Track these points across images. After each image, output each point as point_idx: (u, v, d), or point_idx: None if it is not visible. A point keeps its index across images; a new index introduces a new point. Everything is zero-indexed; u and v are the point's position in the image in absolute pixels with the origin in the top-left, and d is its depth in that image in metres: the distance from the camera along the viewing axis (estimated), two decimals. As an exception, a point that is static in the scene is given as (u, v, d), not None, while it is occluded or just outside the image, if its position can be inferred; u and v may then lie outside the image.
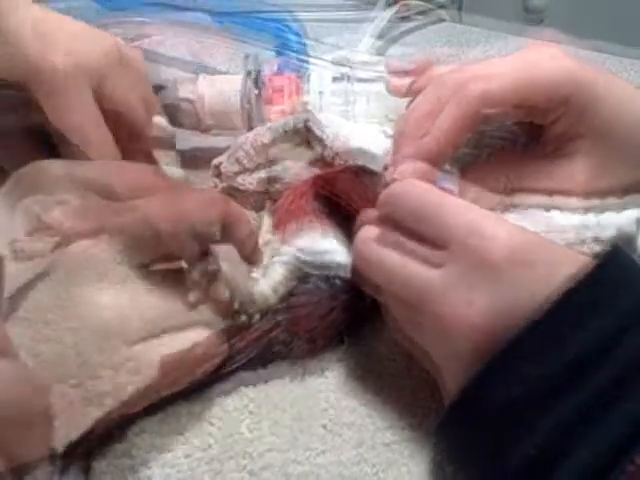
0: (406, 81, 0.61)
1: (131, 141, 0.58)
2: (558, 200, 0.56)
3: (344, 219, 0.51)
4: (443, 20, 1.19)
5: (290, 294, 0.48)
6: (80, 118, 0.55)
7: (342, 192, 0.51)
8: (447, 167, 0.56)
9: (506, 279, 0.38)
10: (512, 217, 0.53)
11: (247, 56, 0.67)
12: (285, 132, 0.62)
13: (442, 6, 1.19)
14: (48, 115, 0.57)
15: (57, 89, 0.55)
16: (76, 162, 0.54)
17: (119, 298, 0.49)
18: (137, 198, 0.50)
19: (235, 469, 0.40)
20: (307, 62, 0.78)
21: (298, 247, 0.50)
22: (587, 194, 0.57)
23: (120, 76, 0.57)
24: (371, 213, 0.46)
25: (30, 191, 0.54)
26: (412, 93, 0.61)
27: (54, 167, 0.54)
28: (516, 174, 0.57)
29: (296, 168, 0.62)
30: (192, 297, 0.49)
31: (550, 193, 0.56)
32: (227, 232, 0.48)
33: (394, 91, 0.61)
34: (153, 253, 0.48)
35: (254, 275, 0.49)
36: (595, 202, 0.56)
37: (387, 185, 0.47)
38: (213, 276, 0.50)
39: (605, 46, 1.01)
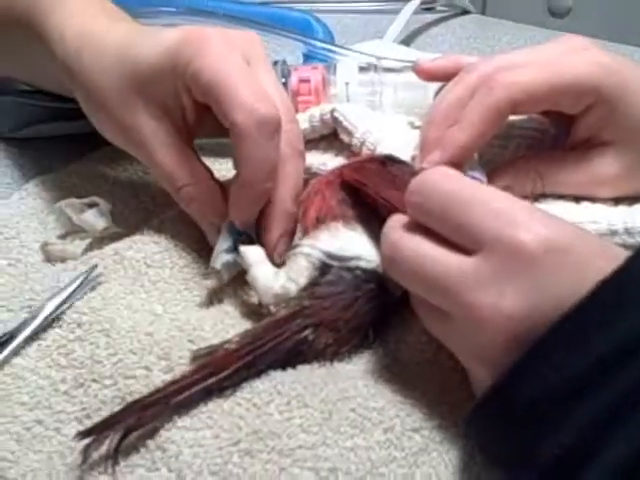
0: (434, 64, 0.61)
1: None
2: (589, 191, 0.56)
3: (371, 209, 0.51)
4: (468, 12, 1.19)
5: (313, 284, 0.48)
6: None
7: (369, 181, 0.51)
8: (475, 157, 0.56)
9: (540, 270, 0.38)
10: (542, 207, 0.53)
11: (276, 62, 0.67)
12: (312, 124, 0.62)
13: (466, 11, 1.19)
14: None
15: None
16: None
17: (151, 300, 0.49)
18: None
19: (264, 450, 0.40)
20: (333, 52, 0.78)
21: (319, 238, 0.50)
22: (618, 187, 0.56)
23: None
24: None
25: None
26: (439, 77, 0.60)
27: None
28: (546, 167, 0.56)
29: (323, 158, 0.62)
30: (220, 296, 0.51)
31: (581, 185, 0.56)
32: None
33: (421, 73, 0.61)
34: None
35: (278, 270, 0.50)
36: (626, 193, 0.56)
37: (416, 174, 0.47)
38: (241, 277, 0.51)
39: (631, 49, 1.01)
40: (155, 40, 0.53)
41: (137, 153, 0.56)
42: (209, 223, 0.54)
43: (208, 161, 0.65)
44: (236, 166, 0.51)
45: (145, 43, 0.54)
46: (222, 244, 0.52)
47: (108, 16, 0.60)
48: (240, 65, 0.52)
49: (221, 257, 0.51)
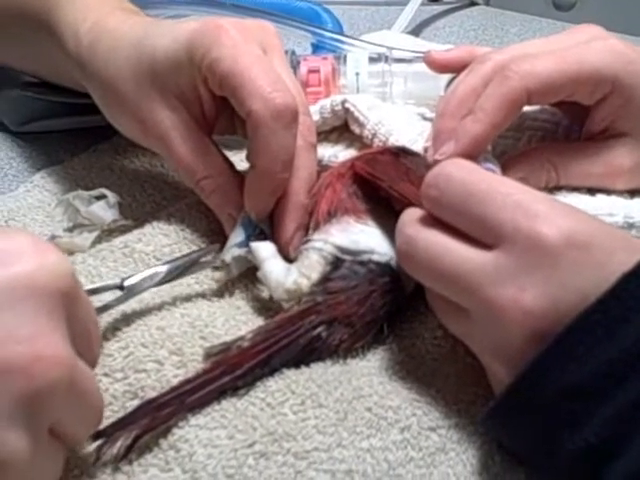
0: (445, 54, 0.60)
1: None
2: (604, 182, 0.55)
3: (384, 201, 0.50)
4: (475, 3, 1.18)
5: (327, 279, 0.47)
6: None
7: (382, 173, 0.50)
8: (489, 148, 0.56)
9: (561, 263, 0.37)
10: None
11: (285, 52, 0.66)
12: (322, 116, 0.61)
13: (473, 2, 1.18)
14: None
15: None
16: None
17: (161, 294, 0.49)
18: None
19: (279, 452, 0.39)
20: (343, 42, 0.77)
21: (330, 233, 0.49)
22: (634, 178, 0.56)
23: None
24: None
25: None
26: (450, 67, 0.60)
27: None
28: (560, 158, 0.56)
29: (334, 150, 0.61)
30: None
31: (596, 177, 0.55)
32: None
33: (433, 64, 0.60)
34: None
35: (289, 265, 0.49)
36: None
37: (430, 167, 0.46)
38: (252, 271, 0.50)
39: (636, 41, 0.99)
40: (172, 32, 0.53)
41: (155, 146, 0.55)
42: (228, 215, 0.53)
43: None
44: (252, 156, 0.50)
45: (162, 35, 0.53)
46: (235, 237, 0.51)
47: (123, 11, 0.59)
48: (257, 54, 0.51)
49: (232, 251, 0.50)
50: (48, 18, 0.59)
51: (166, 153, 0.54)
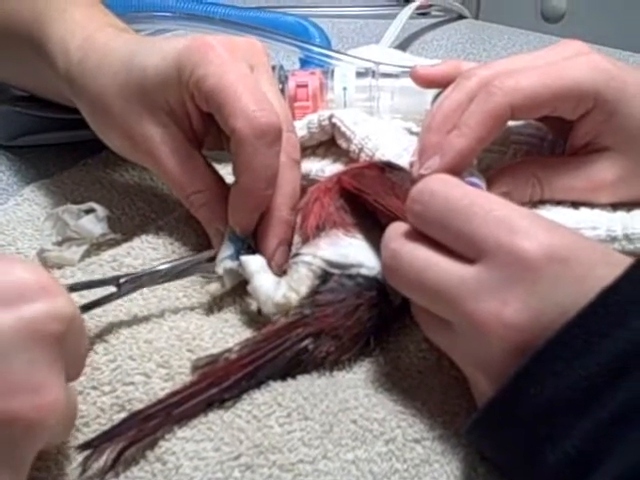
0: (431, 70, 0.60)
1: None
2: (588, 196, 0.56)
3: (370, 216, 0.50)
4: (463, 17, 1.19)
5: (315, 292, 0.48)
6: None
7: (368, 188, 0.51)
8: (474, 162, 0.56)
9: (541, 278, 0.38)
10: (540, 213, 0.52)
11: (273, 67, 0.66)
12: (310, 131, 0.62)
13: (461, 16, 1.19)
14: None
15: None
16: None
17: (149, 307, 0.49)
18: None
19: (265, 464, 0.40)
20: (331, 57, 0.78)
21: (320, 246, 0.49)
22: (616, 192, 0.56)
23: None
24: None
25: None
26: (436, 83, 0.60)
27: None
28: (544, 172, 0.56)
29: (321, 164, 0.62)
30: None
31: (580, 190, 0.56)
32: None
33: (418, 79, 0.61)
34: None
35: (279, 279, 0.49)
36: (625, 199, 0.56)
37: (416, 181, 0.47)
38: (240, 285, 0.51)
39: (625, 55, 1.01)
40: (161, 50, 0.53)
41: (145, 161, 0.56)
42: (216, 230, 0.54)
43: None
44: (235, 173, 0.51)
45: (151, 53, 0.54)
46: (225, 251, 0.52)
47: (112, 27, 0.60)
48: (243, 72, 0.52)
49: (224, 263, 0.51)
50: (38, 34, 0.60)
51: (156, 168, 0.55)
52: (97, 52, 0.56)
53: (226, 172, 0.63)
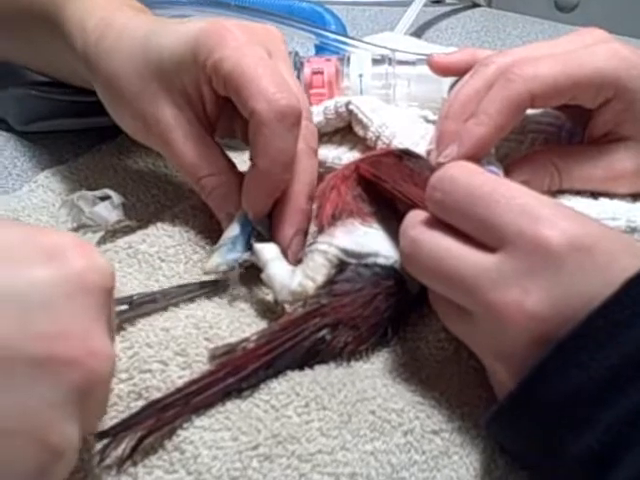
0: (448, 58, 0.60)
1: None
2: (607, 186, 0.55)
3: (388, 204, 0.50)
4: (478, 5, 1.18)
5: (332, 282, 0.48)
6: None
7: (387, 175, 0.50)
8: (492, 151, 0.56)
9: (564, 267, 0.37)
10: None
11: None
12: (326, 117, 0.61)
13: (475, 4, 1.18)
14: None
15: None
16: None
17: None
18: None
19: (283, 454, 0.40)
20: (346, 44, 0.77)
21: (335, 235, 0.49)
22: (637, 182, 0.56)
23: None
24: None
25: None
26: (453, 71, 0.60)
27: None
28: (563, 161, 0.56)
29: (337, 152, 0.61)
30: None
31: (599, 180, 0.55)
32: None
33: (435, 67, 0.60)
34: None
35: (294, 267, 0.49)
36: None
37: (434, 169, 0.46)
38: (256, 273, 0.50)
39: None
40: (178, 31, 0.53)
41: (157, 143, 0.55)
42: (226, 214, 0.53)
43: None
44: (253, 156, 0.51)
45: (168, 33, 0.53)
46: (229, 232, 0.51)
47: (130, 7, 0.59)
48: (262, 56, 0.51)
49: (219, 255, 0.50)
50: (55, 14, 0.59)
51: (168, 151, 0.54)
52: (114, 32, 0.56)
53: (241, 160, 0.63)
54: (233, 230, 0.51)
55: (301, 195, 0.52)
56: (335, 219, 0.50)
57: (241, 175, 0.54)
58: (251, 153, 0.51)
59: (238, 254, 0.50)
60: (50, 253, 0.35)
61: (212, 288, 0.50)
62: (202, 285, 0.50)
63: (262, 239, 0.52)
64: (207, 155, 0.54)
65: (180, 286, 0.49)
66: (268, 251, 0.49)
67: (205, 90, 0.53)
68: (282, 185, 0.51)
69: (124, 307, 0.47)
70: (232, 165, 0.55)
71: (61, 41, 0.59)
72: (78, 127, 0.70)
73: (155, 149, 0.57)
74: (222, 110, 0.55)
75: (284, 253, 0.51)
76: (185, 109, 0.53)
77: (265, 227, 0.53)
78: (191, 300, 0.49)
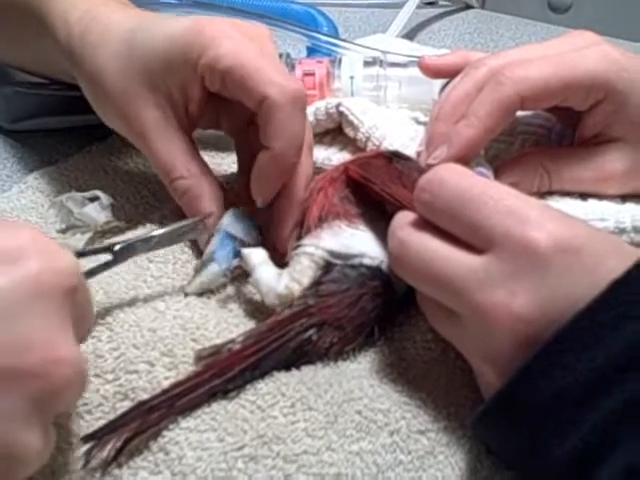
0: (439, 60, 0.60)
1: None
2: (597, 187, 0.56)
3: (377, 205, 0.50)
4: (470, 7, 1.18)
5: (318, 283, 0.48)
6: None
7: (375, 177, 0.50)
8: (481, 152, 0.56)
9: (551, 269, 0.37)
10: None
11: (280, 55, 0.66)
12: (317, 118, 0.61)
13: (468, 6, 1.18)
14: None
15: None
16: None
17: (154, 296, 0.49)
18: None
19: (269, 455, 0.39)
20: (338, 46, 0.77)
21: (321, 237, 0.49)
22: (626, 183, 0.56)
23: None
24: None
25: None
26: (444, 73, 0.60)
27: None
28: (553, 163, 0.56)
29: (327, 152, 0.61)
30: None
31: (588, 182, 0.55)
32: None
33: (426, 69, 0.60)
34: None
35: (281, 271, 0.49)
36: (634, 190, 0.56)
37: (423, 171, 0.46)
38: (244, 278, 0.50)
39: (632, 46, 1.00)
40: (164, 28, 0.53)
41: (136, 141, 0.55)
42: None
43: (209, 155, 0.64)
44: (267, 140, 0.50)
45: (154, 30, 0.53)
46: (210, 246, 0.51)
47: (115, 2, 0.59)
48: (258, 50, 0.51)
49: (203, 275, 0.50)
50: (39, 7, 0.59)
51: (146, 150, 0.54)
52: (99, 26, 0.55)
53: (231, 160, 0.63)
54: (213, 244, 0.51)
55: (302, 187, 0.52)
56: (321, 221, 0.50)
57: (215, 180, 0.54)
58: (262, 138, 0.50)
59: (224, 265, 0.50)
60: (6, 256, 0.34)
61: (192, 227, 0.51)
62: (182, 226, 0.50)
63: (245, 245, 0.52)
64: (183, 157, 0.53)
65: (161, 228, 0.49)
66: (256, 256, 0.49)
67: (193, 89, 0.52)
68: (292, 169, 0.51)
69: (109, 257, 0.47)
70: (207, 169, 0.55)
71: (45, 35, 0.58)
72: (66, 125, 0.70)
73: (136, 147, 0.56)
74: (206, 107, 0.54)
75: (282, 246, 0.51)
76: (167, 110, 0.53)
77: (253, 230, 0.53)
78: (172, 242, 0.50)
